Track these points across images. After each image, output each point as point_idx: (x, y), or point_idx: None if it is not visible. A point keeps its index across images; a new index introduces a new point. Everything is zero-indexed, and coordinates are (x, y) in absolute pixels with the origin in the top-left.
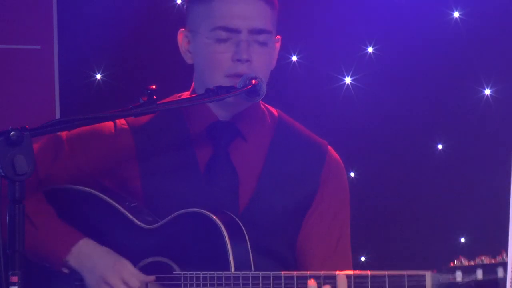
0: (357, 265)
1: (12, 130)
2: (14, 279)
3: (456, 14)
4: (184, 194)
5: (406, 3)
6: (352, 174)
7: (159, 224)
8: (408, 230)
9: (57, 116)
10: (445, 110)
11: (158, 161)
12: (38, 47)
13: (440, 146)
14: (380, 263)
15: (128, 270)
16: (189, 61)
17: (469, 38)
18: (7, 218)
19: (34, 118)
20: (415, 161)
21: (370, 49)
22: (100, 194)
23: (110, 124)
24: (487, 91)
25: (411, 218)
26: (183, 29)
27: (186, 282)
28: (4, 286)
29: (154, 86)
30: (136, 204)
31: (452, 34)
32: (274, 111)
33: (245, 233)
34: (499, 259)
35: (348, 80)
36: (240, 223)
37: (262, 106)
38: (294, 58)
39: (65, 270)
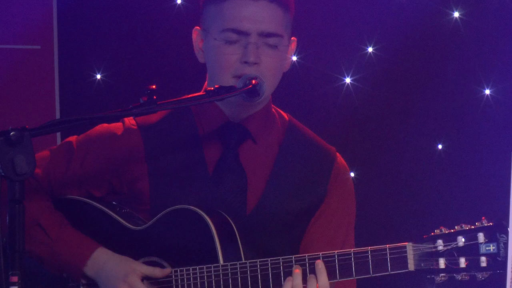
0: None
1: (12, 130)
2: (14, 279)
3: (456, 14)
4: (191, 195)
5: (406, 3)
6: (352, 174)
7: (147, 224)
8: (408, 230)
9: (57, 116)
10: (445, 110)
11: (167, 162)
12: (38, 47)
13: (440, 146)
14: None
15: (137, 285)
16: (201, 59)
17: (469, 38)
18: (7, 218)
19: (34, 118)
20: (415, 161)
21: (370, 49)
22: (92, 202)
23: (119, 124)
24: (487, 91)
25: (411, 218)
26: (198, 27)
27: (177, 278)
28: (4, 286)
29: (154, 86)
30: (127, 210)
31: (452, 34)
32: (285, 115)
33: (233, 224)
34: (478, 225)
35: (348, 80)
36: (227, 216)
37: (273, 109)
38: (294, 58)
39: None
